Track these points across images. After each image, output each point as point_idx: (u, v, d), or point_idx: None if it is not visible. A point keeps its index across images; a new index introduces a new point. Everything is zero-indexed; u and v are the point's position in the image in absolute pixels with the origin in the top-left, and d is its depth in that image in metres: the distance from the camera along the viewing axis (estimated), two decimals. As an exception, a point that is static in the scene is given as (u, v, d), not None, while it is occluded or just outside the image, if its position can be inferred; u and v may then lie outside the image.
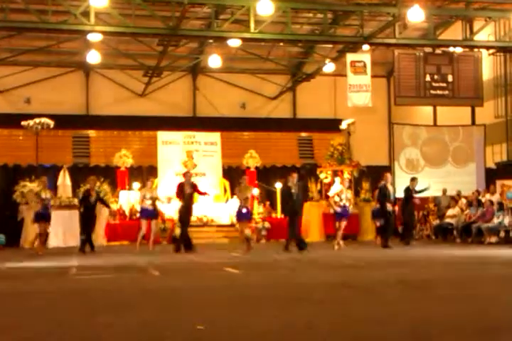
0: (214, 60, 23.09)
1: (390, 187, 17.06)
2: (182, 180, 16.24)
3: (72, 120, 24.86)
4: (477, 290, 6.97)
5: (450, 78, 22.62)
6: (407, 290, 7.13)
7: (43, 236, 16.99)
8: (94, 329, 4.76)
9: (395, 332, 4.44)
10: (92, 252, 16.25)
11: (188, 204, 15.66)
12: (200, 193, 16.27)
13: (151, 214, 16.37)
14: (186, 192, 15.45)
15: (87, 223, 16.60)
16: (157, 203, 16.72)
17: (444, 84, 22.63)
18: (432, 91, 22.62)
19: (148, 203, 16.34)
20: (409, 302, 6.06)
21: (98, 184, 20.22)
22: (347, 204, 16.29)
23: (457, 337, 4.31)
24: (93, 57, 22.05)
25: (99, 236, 20.97)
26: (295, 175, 15.46)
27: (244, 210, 15.41)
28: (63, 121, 23.33)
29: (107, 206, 18.42)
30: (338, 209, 16.15)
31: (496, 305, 5.77)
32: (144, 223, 16.48)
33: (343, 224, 16.26)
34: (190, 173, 17.04)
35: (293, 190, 15.08)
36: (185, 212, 15.66)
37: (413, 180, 18.34)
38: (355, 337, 4.33)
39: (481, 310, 5.39)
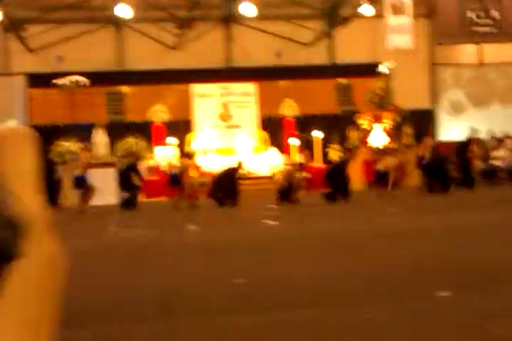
0: (246, 8, 22.42)
1: None
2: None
3: (105, 77, 24.49)
4: None
5: (495, 14, 21.61)
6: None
7: (88, 197, 16.90)
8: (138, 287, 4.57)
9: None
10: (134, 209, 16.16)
11: None
12: None
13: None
14: None
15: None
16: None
17: (489, 21, 21.68)
18: (476, 28, 21.66)
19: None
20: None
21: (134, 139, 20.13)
22: None
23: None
24: (123, 11, 21.60)
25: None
26: None
27: None
28: (96, 78, 23.02)
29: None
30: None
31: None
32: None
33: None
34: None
35: None
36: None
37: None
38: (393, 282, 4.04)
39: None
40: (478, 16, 21.40)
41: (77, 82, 21.61)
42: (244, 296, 4.06)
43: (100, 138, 21.33)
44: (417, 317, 3.32)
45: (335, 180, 15.51)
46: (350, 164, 20.73)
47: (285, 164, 17.19)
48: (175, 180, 16.14)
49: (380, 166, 16.32)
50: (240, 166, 16.51)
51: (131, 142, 20.98)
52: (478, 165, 20.93)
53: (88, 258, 6.71)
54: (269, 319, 3.43)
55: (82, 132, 22.41)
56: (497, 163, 19.34)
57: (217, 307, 3.81)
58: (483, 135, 21.54)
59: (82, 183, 16.47)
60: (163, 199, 21.03)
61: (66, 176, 20.56)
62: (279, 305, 3.77)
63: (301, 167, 20.80)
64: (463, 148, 17.47)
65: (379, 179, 16.36)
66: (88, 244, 8.14)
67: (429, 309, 3.46)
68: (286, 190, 15.13)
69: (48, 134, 23.61)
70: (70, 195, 20.24)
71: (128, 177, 16.65)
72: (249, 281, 4.59)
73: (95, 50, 24.58)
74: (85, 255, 6.98)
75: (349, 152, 21.06)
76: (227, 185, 15.57)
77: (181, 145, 22.92)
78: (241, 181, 21.63)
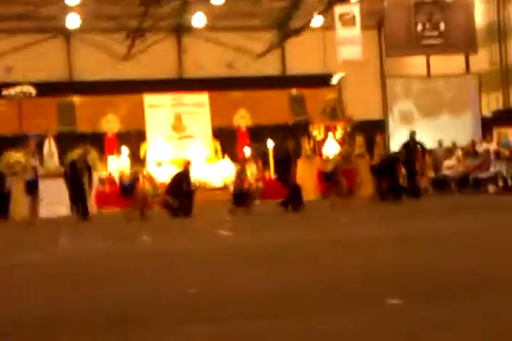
0: (198, 19, 22.43)
1: None
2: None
3: (55, 87, 24.19)
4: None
5: (442, 26, 22.06)
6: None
7: (36, 206, 16.54)
8: (86, 298, 4.59)
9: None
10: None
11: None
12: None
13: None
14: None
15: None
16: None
17: (436, 33, 22.07)
18: (424, 41, 22.07)
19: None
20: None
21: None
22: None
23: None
24: (73, 21, 21.38)
25: (90, 204, 20.55)
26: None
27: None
28: (45, 89, 22.75)
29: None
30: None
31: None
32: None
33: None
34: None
35: None
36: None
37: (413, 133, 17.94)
38: (346, 292, 4.13)
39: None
40: (425, 28, 21.78)
41: (25, 92, 21.27)
42: (199, 306, 4.03)
43: (50, 149, 20.99)
44: (368, 327, 3.34)
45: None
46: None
47: (237, 172, 17.08)
48: (126, 191, 15.87)
49: (327, 167, 16.40)
50: (187, 167, 16.07)
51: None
52: (429, 174, 21.27)
53: (37, 271, 6.59)
54: (225, 329, 3.40)
55: (32, 143, 22.02)
56: (447, 172, 19.63)
57: (170, 318, 3.77)
58: (433, 145, 21.87)
59: (34, 187, 16.09)
60: (116, 209, 20.81)
61: (16, 188, 20.19)
62: (234, 315, 3.74)
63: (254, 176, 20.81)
64: (407, 156, 17.51)
65: (326, 180, 16.44)
66: (38, 257, 8.00)
67: (381, 318, 3.48)
68: (240, 196, 15.02)
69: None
70: (20, 207, 19.87)
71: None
72: (203, 291, 4.56)
73: (45, 60, 24.27)
74: (34, 268, 6.85)
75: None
76: (178, 191, 15.33)
77: (133, 156, 22.73)
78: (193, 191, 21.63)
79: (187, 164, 16.18)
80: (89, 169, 16.72)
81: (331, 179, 16.10)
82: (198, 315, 3.79)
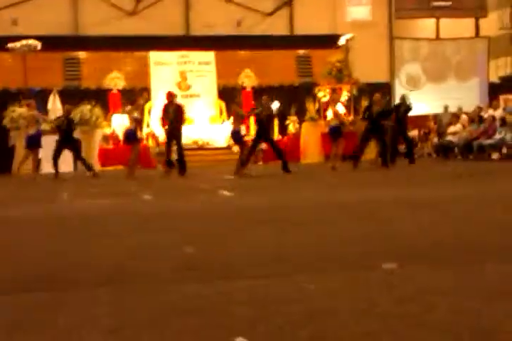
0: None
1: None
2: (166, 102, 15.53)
3: (61, 41, 23.97)
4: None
5: (453, -12, 21.69)
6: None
7: (36, 162, 16.57)
8: (82, 255, 4.65)
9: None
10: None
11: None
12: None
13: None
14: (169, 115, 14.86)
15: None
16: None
17: (447, -5, 21.72)
18: (434, 3, 21.73)
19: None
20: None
21: (88, 107, 19.91)
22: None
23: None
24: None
25: (93, 162, 20.60)
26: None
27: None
28: (52, 43, 22.50)
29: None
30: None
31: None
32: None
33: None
34: (174, 94, 15.99)
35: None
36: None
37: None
38: (342, 255, 4.16)
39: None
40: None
41: (30, 45, 21.10)
42: (194, 266, 4.06)
43: (54, 104, 20.95)
44: (350, 287, 3.39)
45: None
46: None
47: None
48: (130, 137, 15.42)
49: (334, 122, 16.23)
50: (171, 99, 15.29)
51: (86, 109, 20.66)
52: (434, 140, 21.21)
53: (36, 226, 6.63)
54: (213, 289, 3.44)
55: (36, 97, 21.98)
56: (452, 138, 19.54)
57: (167, 276, 3.81)
58: (439, 110, 21.76)
59: (35, 142, 16.10)
60: (118, 168, 20.87)
61: (20, 143, 20.22)
62: (225, 275, 3.78)
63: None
64: (397, 120, 16.90)
65: (332, 134, 16.23)
66: (39, 212, 8.04)
67: (367, 279, 3.52)
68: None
69: (0, 99, 23.17)
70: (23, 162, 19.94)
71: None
72: (200, 251, 4.59)
73: (51, 14, 24.04)
74: (33, 223, 6.90)
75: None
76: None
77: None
78: (195, 152, 21.63)
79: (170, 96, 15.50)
80: (70, 125, 16.42)
81: (334, 136, 15.93)
82: (191, 275, 3.83)
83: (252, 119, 18.88)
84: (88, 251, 4.84)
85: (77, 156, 16.74)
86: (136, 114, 15.12)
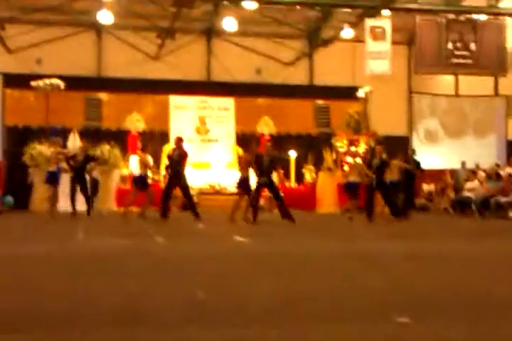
0: (229, 23, 22.48)
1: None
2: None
3: (84, 82, 24.36)
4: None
5: (473, 46, 21.88)
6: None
7: (55, 199, 16.63)
8: (92, 293, 4.67)
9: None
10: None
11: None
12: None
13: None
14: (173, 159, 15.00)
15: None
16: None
17: (467, 53, 21.90)
18: (454, 60, 21.91)
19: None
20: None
21: (107, 148, 20.11)
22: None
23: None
24: (105, 17, 21.54)
25: (109, 201, 20.71)
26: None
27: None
28: (75, 83, 22.86)
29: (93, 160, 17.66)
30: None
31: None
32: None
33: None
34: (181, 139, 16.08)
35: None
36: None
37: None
38: (354, 306, 4.12)
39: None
40: (456, 47, 21.68)
41: (53, 84, 21.46)
42: (205, 311, 4.04)
43: (74, 144, 21.14)
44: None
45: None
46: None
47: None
48: (140, 182, 15.55)
49: (352, 177, 16.15)
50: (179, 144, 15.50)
51: (105, 149, 20.86)
52: (451, 195, 21.15)
53: (50, 263, 6.62)
54: (223, 336, 3.41)
55: (56, 136, 22.24)
56: (469, 194, 19.48)
57: (177, 320, 3.79)
58: (456, 166, 21.76)
59: (54, 179, 16.21)
60: (134, 208, 20.87)
61: (39, 180, 20.39)
62: (238, 322, 3.75)
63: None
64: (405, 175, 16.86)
65: (349, 190, 16.17)
66: (53, 250, 8.04)
67: (380, 334, 3.48)
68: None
69: (21, 136, 23.45)
70: (42, 199, 20.07)
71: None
72: (211, 295, 4.57)
73: (75, 54, 24.42)
74: (48, 260, 6.89)
75: None
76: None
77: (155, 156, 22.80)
78: (212, 196, 21.67)
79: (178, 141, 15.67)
80: (87, 161, 16.50)
81: (354, 190, 15.89)
82: (200, 319, 3.81)
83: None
84: (98, 291, 4.82)
85: (84, 193, 16.58)
86: (146, 161, 15.39)
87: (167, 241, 9.52)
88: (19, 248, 8.30)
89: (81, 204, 16.74)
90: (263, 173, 14.38)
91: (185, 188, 15.19)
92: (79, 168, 16.20)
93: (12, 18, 23.31)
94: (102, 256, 7.26)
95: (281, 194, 15.33)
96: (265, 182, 14.47)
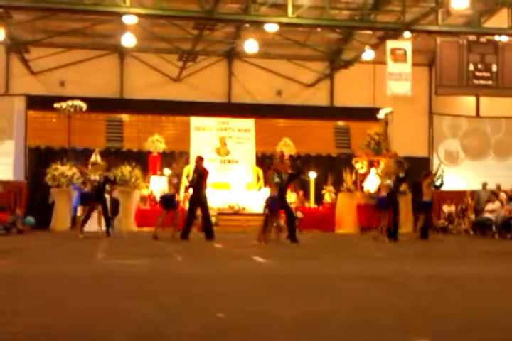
0: (250, 45, 22.63)
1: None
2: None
3: (106, 103, 24.66)
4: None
5: (494, 68, 21.81)
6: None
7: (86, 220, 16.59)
8: (114, 314, 4.65)
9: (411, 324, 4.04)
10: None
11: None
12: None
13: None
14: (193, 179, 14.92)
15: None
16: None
17: (488, 74, 21.83)
18: (475, 81, 21.84)
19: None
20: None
21: (129, 168, 20.33)
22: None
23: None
24: (128, 40, 21.78)
25: (130, 222, 20.81)
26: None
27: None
28: (97, 105, 23.15)
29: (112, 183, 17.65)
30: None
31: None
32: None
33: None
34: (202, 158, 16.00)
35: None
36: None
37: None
38: (374, 328, 4.08)
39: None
40: (477, 69, 21.64)
41: (76, 106, 21.74)
42: (224, 332, 4.04)
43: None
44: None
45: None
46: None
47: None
48: (168, 202, 15.35)
49: (383, 192, 15.91)
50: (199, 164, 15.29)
51: (126, 170, 21.01)
52: (471, 216, 21.02)
53: (70, 283, 6.66)
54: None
55: (78, 157, 22.47)
56: (490, 215, 19.36)
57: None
58: (477, 187, 21.64)
59: (88, 199, 16.17)
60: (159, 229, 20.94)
61: (60, 200, 20.58)
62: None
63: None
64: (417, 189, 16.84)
65: (380, 206, 15.92)
66: (74, 270, 8.09)
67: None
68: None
69: (43, 156, 23.71)
70: (62, 219, 20.27)
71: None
72: (230, 316, 4.57)
73: (97, 77, 24.77)
74: (69, 280, 6.94)
75: None
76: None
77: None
78: (231, 217, 21.71)
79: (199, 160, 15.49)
80: (105, 183, 16.42)
81: (383, 207, 15.69)
82: (221, 340, 3.81)
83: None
84: (118, 312, 4.84)
85: (104, 213, 16.56)
86: (175, 180, 15.21)
87: (187, 261, 9.54)
88: (40, 267, 8.35)
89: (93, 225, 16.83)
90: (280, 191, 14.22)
91: (204, 208, 15.19)
92: (98, 189, 16.14)
93: (36, 41, 23.68)
94: (121, 277, 7.28)
95: (296, 214, 15.22)
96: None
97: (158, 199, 22.19)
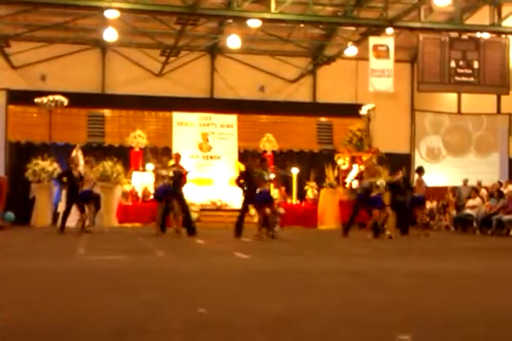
0: (233, 41, 22.60)
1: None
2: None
3: (87, 98, 24.48)
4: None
5: (476, 65, 21.92)
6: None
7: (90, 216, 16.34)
8: (96, 310, 4.64)
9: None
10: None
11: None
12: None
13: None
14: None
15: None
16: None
17: (470, 71, 21.93)
18: (457, 78, 21.93)
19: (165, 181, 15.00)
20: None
21: (110, 163, 20.21)
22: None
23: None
24: (110, 35, 21.67)
25: (111, 218, 20.71)
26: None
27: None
28: (78, 100, 22.99)
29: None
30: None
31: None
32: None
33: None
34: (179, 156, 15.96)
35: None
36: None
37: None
38: (357, 324, 4.11)
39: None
40: (458, 65, 21.72)
41: (57, 101, 21.57)
42: (205, 326, 4.03)
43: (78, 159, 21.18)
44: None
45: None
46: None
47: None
48: (165, 194, 15.06)
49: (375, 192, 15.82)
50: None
51: (108, 165, 20.88)
52: (452, 213, 21.14)
53: (52, 279, 6.62)
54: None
55: (59, 152, 22.32)
56: (471, 211, 19.47)
57: (177, 336, 3.78)
58: (458, 183, 21.76)
59: (89, 197, 15.89)
60: (136, 225, 20.92)
61: (40, 196, 20.45)
62: (236, 340, 3.75)
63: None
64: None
65: (373, 204, 15.83)
66: (54, 265, 8.04)
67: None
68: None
69: (24, 151, 23.53)
70: (43, 215, 20.14)
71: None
72: (212, 311, 4.56)
73: (79, 71, 24.58)
74: (49, 276, 6.89)
75: None
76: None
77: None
78: (213, 213, 21.68)
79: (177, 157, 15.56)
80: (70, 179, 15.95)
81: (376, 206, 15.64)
82: (200, 337, 3.80)
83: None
84: (98, 307, 4.81)
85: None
86: (164, 172, 15.04)
87: (169, 257, 9.51)
88: (21, 263, 8.29)
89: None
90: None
91: (183, 204, 15.14)
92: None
93: (17, 35, 23.48)
94: (102, 272, 7.25)
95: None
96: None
97: (140, 194, 22.22)
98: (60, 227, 15.68)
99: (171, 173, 14.88)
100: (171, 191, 14.77)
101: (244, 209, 14.99)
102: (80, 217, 15.77)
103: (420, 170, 17.09)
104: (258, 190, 14.09)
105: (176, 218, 14.98)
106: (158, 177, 15.16)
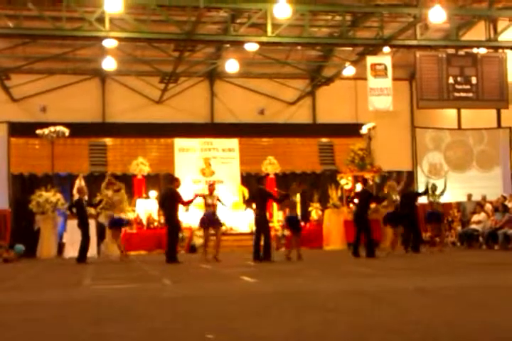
0: (231, 65, 22.76)
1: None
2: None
3: (89, 128, 24.60)
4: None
5: (474, 80, 22.02)
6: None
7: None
8: (103, 338, 4.62)
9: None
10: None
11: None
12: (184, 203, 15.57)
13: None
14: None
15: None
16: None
17: (468, 87, 22.03)
18: (456, 94, 22.02)
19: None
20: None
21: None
22: None
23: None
24: (109, 64, 21.87)
25: (116, 245, 20.64)
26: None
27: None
28: (79, 129, 23.10)
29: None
30: None
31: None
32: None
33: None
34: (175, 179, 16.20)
35: None
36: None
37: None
38: None
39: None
40: (457, 82, 21.81)
41: (58, 132, 21.66)
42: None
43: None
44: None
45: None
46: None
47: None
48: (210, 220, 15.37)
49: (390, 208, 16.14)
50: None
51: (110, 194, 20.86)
52: (458, 228, 21.07)
53: (57, 309, 6.60)
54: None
55: (62, 182, 22.37)
56: (476, 227, 19.42)
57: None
58: (462, 199, 21.72)
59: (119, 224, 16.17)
60: (141, 252, 20.87)
61: (45, 227, 20.45)
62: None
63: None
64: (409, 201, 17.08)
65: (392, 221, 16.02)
66: (60, 296, 8.02)
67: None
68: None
69: (27, 183, 23.58)
70: (48, 246, 20.11)
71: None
72: (220, 336, 4.53)
73: (79, 101, 24.73)
74: (55, 306, 6.87)
75: None
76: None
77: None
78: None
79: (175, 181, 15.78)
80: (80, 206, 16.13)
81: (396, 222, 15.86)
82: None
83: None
84: (106, 335, 4.78)
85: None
86: (210, 200, 15.40)
87: (174, 284, 9.47)
88: (29, 295, 8.27)
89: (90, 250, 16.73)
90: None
91: (172, 231, 15.16)
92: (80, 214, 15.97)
93: (17, 68, 23.65)
94: (108, 302, 7.22)
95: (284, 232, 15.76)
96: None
97: (144, 221, 22.21)
98: (79, 259, 15.67)
99: (215, 201, 15.24)
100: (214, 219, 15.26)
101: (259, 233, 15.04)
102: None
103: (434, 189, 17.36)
104: (203, 212, 15.12)
105: (218, 243, 15.35)
106: (205, 205, 15.37)
